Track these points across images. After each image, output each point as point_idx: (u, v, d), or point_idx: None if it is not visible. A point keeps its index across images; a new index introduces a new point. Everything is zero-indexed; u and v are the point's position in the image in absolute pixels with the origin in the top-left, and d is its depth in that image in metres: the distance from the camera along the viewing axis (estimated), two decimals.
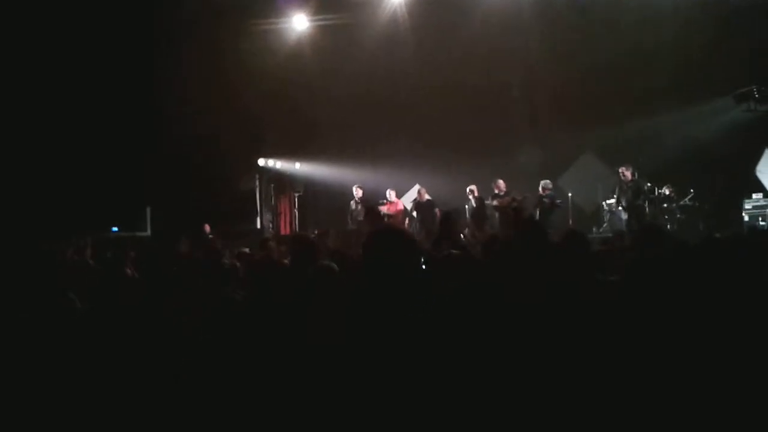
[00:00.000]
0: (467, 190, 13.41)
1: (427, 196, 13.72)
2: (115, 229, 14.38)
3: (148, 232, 14.75)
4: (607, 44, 12.43)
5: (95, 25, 12.52)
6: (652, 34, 12.00)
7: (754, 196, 12.32)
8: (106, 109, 13.38)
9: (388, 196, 14.28)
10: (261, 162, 16.49)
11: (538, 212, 12.64)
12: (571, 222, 13.60)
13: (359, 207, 13.79)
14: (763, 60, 11.27)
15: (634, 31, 12.05)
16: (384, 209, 13.65)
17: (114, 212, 14.29)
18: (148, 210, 14.90)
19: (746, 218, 12.08)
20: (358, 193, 14.07)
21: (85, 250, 8.66)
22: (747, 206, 12.23)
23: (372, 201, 14.54)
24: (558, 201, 13.10)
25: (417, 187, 14.73)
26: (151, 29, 13.14)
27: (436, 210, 13.38)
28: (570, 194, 14.07)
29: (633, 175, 12.07)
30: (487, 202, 13.29)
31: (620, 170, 12.15)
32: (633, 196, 11.95)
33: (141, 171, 13.95)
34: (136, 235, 14.16)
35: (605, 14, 12.30)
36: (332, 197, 16.38)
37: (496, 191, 13.32)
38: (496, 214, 13.39)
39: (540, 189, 12.88)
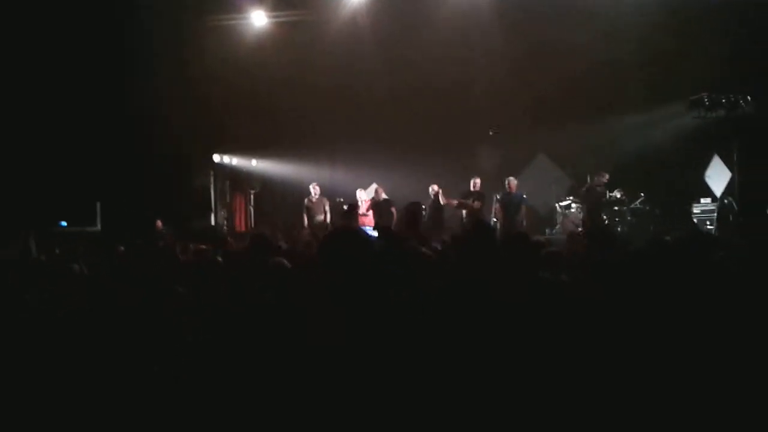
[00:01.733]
0: (429, 189, 13.42)
1: (383, 195, 13.71)
2: (63, 223, 14.04)
3: (98, 227, 14.43)
4: (564, 49, 12.60)
5: (44, 15, 12.20)
6: (608, 40, 12.19)
7: (702, 200, 12.64)
8: (56, 101, 13.06)
9: (361, 195, 14.19)
10: (216, 158, 16.27)
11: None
12: (524, 223, 13.74)
13: (318, 203, 13.74)
14: (715, 68, 11.55)
15: (591, 37, 12.21)
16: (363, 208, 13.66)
17: (62, 206, 13.94)
18: (99, 205, 14.56)
19: (694, 221, 12.38)
20: (315, 190, 13.98)
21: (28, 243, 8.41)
22: (695, 210, 12.53)
23: (334, 199, 14.59)
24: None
25: (374, 185, 14.72)
26: (106, 22, 12.87)
27: (392, 209, 13.40)
28: (524, 195, 14.24)
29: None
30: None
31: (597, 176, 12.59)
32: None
33: (92, 165, 13.64)
34: (85, 230, 13.85)
35: (563, 20, 12.46)
36: (289, 195, 16.29)
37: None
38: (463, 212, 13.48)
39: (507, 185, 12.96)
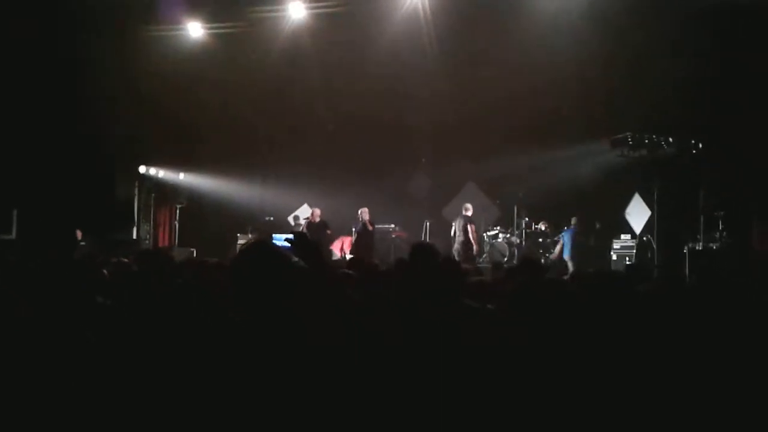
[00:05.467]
0: (359, 212, 13.39)
1: (318, 218, 13.62)
2: None
3: (13, 235, 13.77)
4: (497, 81, 12.85)
5: None
6: (538, 74, 12.50)
7: (622, 236, 13.03)
8: None
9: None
10: (142, 169, 15.81)
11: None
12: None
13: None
14: (639, 108, 11.99)
15: (526, 72, 12.49)
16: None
17: None
18: (15, 212, 13.92)
19: (614, 257, 12.75)
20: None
21: None
22: (615, 246, 12.91)
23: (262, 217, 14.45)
24: None
25: (306, 206, 14.69)
26: (34, 24, 12.38)
27: (328, 231, 13.40)
28: (453, 224, 14.42)
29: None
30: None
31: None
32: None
33: (9, 170, 13.04)
34: None
35: (496, 53, 12.71)
36: (216, 211, 15.98)
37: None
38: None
39: None
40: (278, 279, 2.56)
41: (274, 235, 14.68)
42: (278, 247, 2.78)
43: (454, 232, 13.21)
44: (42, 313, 3.73)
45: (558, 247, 13.11)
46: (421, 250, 3.46)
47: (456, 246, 12.95)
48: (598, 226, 13.24)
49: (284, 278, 2.58)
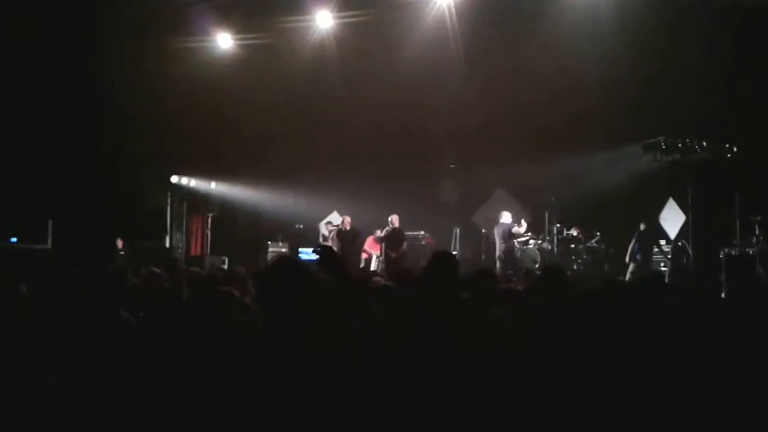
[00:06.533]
0: (389, 219, 13.39)
1: (349, 225, 13.68)
2: (13, 239, 13.66)
3: (49, 245, 14.05)
4: (528, 87, 12.75)
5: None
6: (571, 80, 12.37)
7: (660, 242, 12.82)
8: (11, 115, 12.76)
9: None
10: (174, 179, 16.01)
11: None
12: (483, 258, 13.80)
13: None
14: (671, 112, 11.80)
15: (555, 77, 12.38)
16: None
17: (12, 222, 13.55)
18: (50, 222, 14.20)
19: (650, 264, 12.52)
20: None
21: None
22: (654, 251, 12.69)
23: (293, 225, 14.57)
24: None
25: (335, 213, 14.75)
26: (66, 38, 12.64)
27: (359, 239, 13.49)
28: (483, 230, 14.32)
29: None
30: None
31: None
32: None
33: (45, 180, 13.33)
34: (33, 248, 13.48)
35: (526, 58, 12.61)
36: (247, 219, 16.12)
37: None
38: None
39: None
40: (302, 292, 2.59)
41: (300, 250, 14.83)
42: (303, 261, 2.84)
43: (495, 242, 13.10)
44: (79, 325, 3.80)
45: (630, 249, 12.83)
46: (440, 258, 3.43)
47: (498, 254, 12.84)
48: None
49: (308, 291, 2.61)
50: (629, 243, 12.65)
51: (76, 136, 13.37)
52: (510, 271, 10.40)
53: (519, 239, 13.43)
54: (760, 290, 5.77)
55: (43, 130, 13.14)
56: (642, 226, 12.47)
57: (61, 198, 13.65)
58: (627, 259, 12.48)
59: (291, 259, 2.81)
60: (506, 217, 12.99)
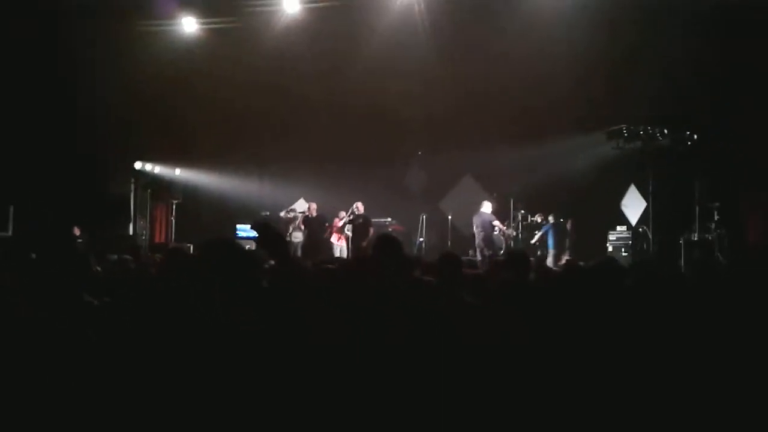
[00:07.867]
0: (353, 205, 13.43)
1: (315, 212, 13.71)
2: None
3: (10, 232, 13.77)
4: (492, 74, 12.84)
5: None
6: (534, 67, 12.47)
7: (618, 228, 13.04)
8: None
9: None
10: (138, 165, 15.78)
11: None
12: (449, 244, 13.90)
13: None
14: (634, 101, 11.97)
15: (518, 64, 12.47)
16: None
17: None
18: (11, 209, 13.92)
19: (610, 249, 12.75)
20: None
21: None
22: (611, 237, 12.91)
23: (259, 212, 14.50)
24: None
25: (302, 200, 14.71)
26: (29, 20, 12.33)
27: (326, 225, 13.51)
28: (450, 216, 14.44)
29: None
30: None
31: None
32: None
33: (5, 167, 13.03)
34: None
35: (493, 45, 12.67)
36: (212, 206, 15.99)
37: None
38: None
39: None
40: (238, 271, 2.62)
41: (238, 227, 14.85)
42: (238, 242, 2.89)
43: (473, 230, 13.22)
44: (41, 309, 3.75)
45: (539, 235, 13.42)
46: (383, 242, 3.48)
47: (478, 241, 12.96)
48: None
49: (243, 271, 2.65)
50: (592, 229, 12.92)
51: (37, 123, 13.07)
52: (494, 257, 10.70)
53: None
54: (717, 274, 5.96)
55: (2, 117, 12.82)
56: (551, 219, 13.24)
57: (22, 185, 13.37)
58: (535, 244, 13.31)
59: (226, 241, 2.84)
60: (487, 207, 13.13)
